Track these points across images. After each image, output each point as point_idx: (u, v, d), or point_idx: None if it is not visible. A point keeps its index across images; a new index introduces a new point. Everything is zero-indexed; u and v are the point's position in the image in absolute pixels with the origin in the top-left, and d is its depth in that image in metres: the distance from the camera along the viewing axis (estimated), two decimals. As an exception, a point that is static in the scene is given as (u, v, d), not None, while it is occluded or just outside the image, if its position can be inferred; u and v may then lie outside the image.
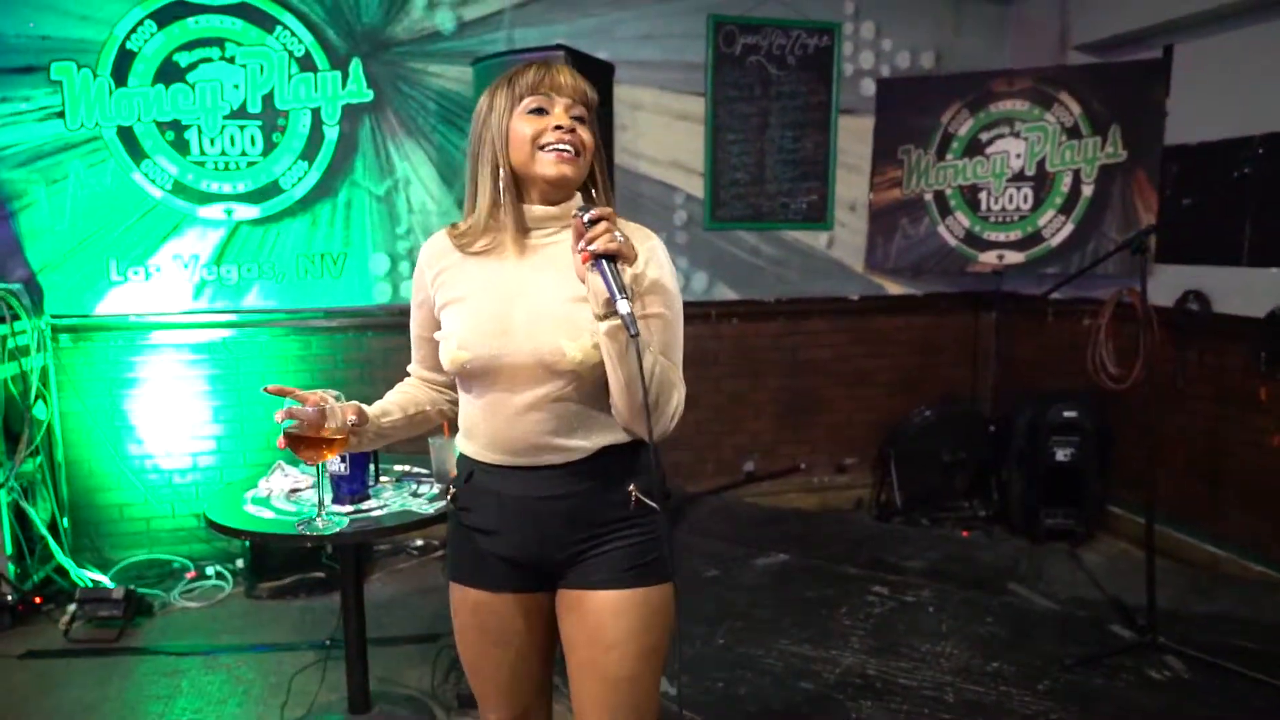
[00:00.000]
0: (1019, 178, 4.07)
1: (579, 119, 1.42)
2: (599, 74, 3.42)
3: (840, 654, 2.69)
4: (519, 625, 1.51)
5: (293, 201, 3.72)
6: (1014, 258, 4.14)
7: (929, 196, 4.25)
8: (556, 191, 1.42)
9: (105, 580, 3.40)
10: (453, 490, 1.55)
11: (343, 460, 2.20)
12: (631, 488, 1.42)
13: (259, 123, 3.66)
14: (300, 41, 3.65)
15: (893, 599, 3.07)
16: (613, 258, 1.27)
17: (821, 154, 4.27)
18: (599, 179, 1.47)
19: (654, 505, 1.42)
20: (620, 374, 1.33)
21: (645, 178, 4.08)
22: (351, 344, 3.85)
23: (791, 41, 4.13)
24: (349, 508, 2.22)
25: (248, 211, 3.69)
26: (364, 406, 1.51)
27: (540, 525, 1.43)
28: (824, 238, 4.36)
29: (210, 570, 3.58)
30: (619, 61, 3.73)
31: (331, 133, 3.73)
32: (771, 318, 4.35)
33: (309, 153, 3.71)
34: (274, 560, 3.43)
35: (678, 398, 1.39)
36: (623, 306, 1.24)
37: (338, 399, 1.46)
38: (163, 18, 3.52)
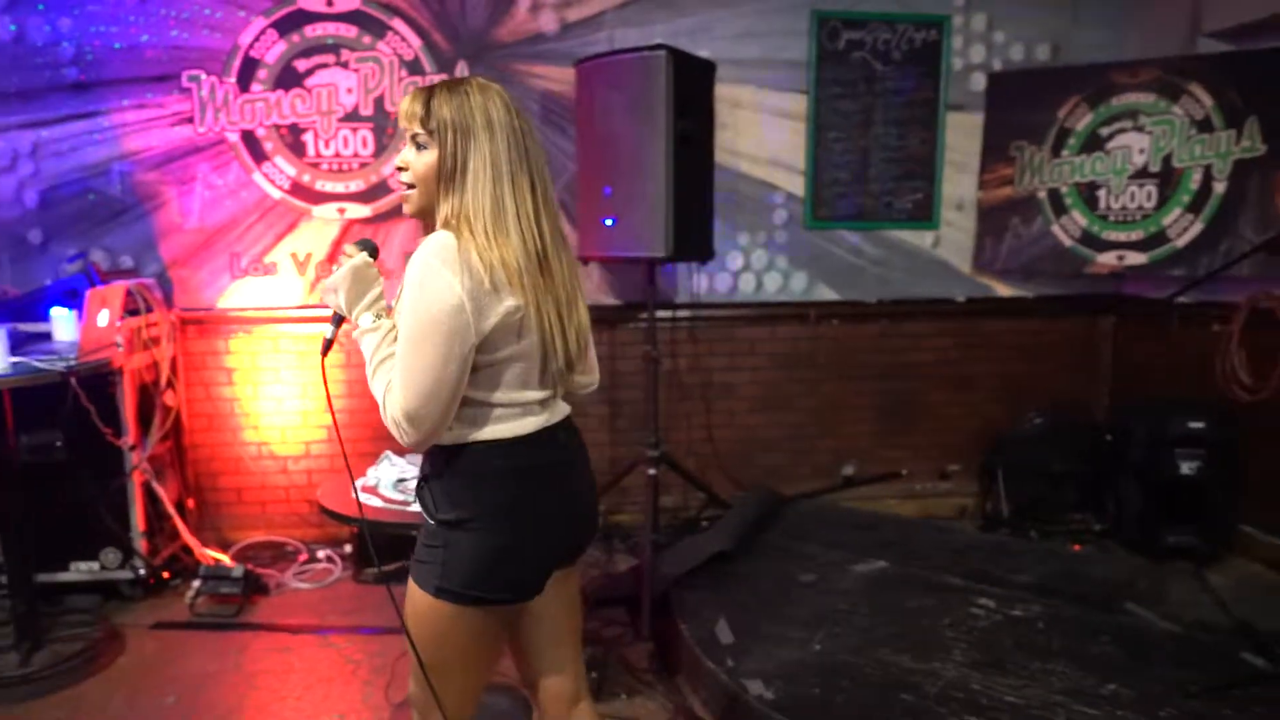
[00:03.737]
0: (1142, 174, 3.85)
1: (421, 145, 1.52)
2: (700, 72, 3.41)
3: (942, 667, 2.60)
4: None
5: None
6: (1135, 259, 3.92)
7: (1042, 195, 4.07)
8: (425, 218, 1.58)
9: (225, 559, 3.59)
10: None
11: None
12: (417, 484, 1.62)
13: (371, 125, 3.80)
14: (410, 45, 3.76)
15: (999, 612, 2.95)
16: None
17: (928, 151, 4.14)
18: (442, 195, 1.51)
19: (422, 512, 1.56)
20: None
21: (745, 176, 4.05)
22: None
23: (898, 36, 4.03)
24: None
25: (360, 210, 3.84)
26: None
27: None
28: (929, 237, 4.23)
29: (320, 554, 3.73)
30: (719, 60, 3.70)
31: (439, 134, 3.83)
32: (873, 319, 4.25)
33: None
34: (380, 546, 3.54)
35: (384, 412, 1.47)
36: (326, 330, 1.59)
37: None
38: (284, 26, 3.69)
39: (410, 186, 1.54)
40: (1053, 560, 3.51)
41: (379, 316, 1.54)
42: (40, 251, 3.69)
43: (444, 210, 1.50)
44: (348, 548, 3.72)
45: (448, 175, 1.49)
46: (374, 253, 1.61)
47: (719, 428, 4.16)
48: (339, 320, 1.58)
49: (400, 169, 1.55)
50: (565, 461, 1.63)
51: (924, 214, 4.20)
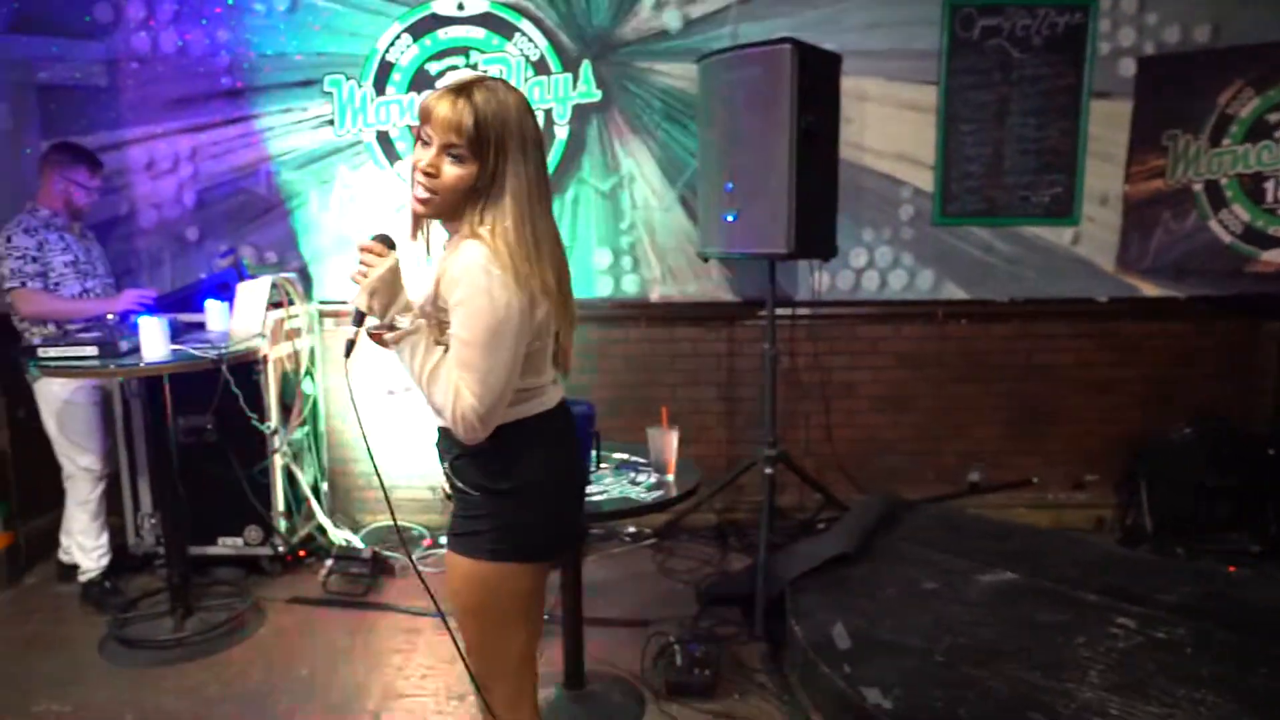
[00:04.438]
0: (1316, 164, 3.52)
1: (457, 157, 1.49)
2: (825, 65, 3.34)
3: (1077, 687, 2.45)
4: None
5: (525, 198, 3.93)
6: (1306, 256, 3.59)
7: (1198, 187, 3.78)
8: (433, 218, 1.60)
9: (356, 541, 3.77)
10: None
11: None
12: (445, 466, 1.65)
13: (498, 124, 3.89)
14: (536, 46, 3.84)
15: (1140, 634, 2.76)
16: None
17: (1068, 143, 3.91)
18: (478, 206, 1.52)
19: (464, 488, 1.61)
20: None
21: (869, 171, 3.94)
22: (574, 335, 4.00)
23: (1038, 21, 3.82)
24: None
25: (485, 208, 3.94)
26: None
27: None
28: (1068, 234, 4.00)
29: (443, 539, 3.85)
30: (845, 52, 3.61)
31: (561, 132, 3.90)
32: (1004, 319, 4.05)
33: (541, 152, 3.90)
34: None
35: (452, 413, 1.49)
36: (346, 332, 1.53)
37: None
38: (417, 30, 3.83)
39: (430, 194, 1.52)
40: (1203, 581, 3.26)
41: (412, 318, 1.54)
42: (196, 248, 3.98)
43: (473, 220, 1.52)
44: (469, 535, 3.83)
45: (482, 190, 1.51)
46: (394, 247, 1.58)
47: (838, 428, 4.07)
48: (361, 319, 1.53)
49: (428, 174, 1.51)
50: (573, 434, 1.77)
51: (1063, 209, 3.97)
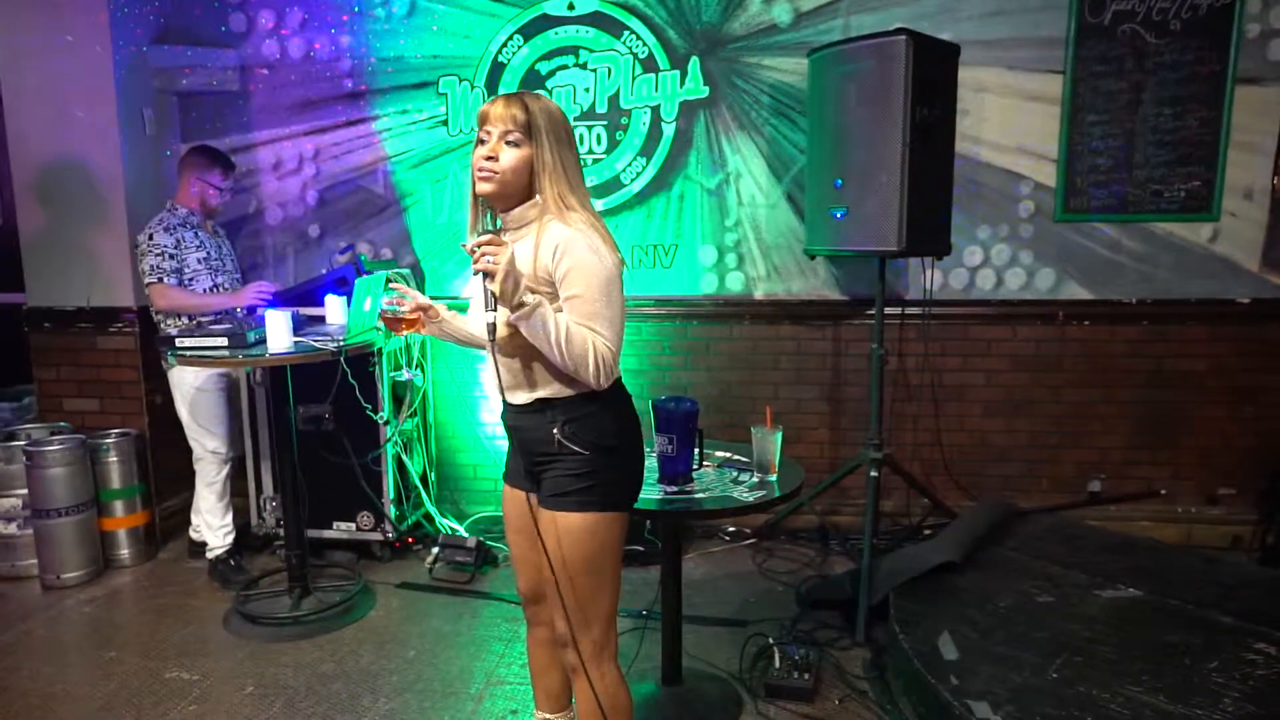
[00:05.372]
0: None
1: (513, 143, 1.73)
2: (942, 56, 3.22)
3: (1209, 715, 2.29)
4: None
5: (631, 195, 3.96)
6: None
7: (1357, 180, 3.47)
8: (494, 203, 1.80)
9: (461, 530, 3.87)
10: None
11: (670, 442, 2.29)
12: (555, 431, 1.78)
13: (604, 122, 3.93)
14: (644, 44, 3.85)
15: (1282, 661, 2.56)
16: (488, 275, 1.59)
17: (1209, 133, 3.66)
18: (548, 184, 1.74)
19: (576, 449, 1.77)
20: (537, 346, 1.69)
21: (986, 165, 3.78)
22: (678, 331, 4.01)
23: (1177, 4, 3.58)
24: (673, 488, 2.31)
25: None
26: (442, 309, 2.02)
27: (513, 445, 1.95)
28: (1206, 230, 3.74)
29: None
30: (963, 41, 3.47)
31: (669, 129, 3.90)
32: (1131, 321, 3.82)
33: (647, 149, 3.92)
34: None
35: (593, 359, 1.69)
36: (486, 317, 1.65)
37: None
38: (529, 31, 3.90)
39: (493, 175, 1.73)
40: (1356, 608, 2.99)
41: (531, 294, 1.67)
42: (317, 244, 4.17)
43: (548, 203, 1.75)
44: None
45: (549, 169, 1.74)
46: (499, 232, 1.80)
47: (948, 432, 3.93)
48: (496, 303, 1.64)
49: (490, 158, 1.73)
50: None
51: (1201, 204, 3.71)
